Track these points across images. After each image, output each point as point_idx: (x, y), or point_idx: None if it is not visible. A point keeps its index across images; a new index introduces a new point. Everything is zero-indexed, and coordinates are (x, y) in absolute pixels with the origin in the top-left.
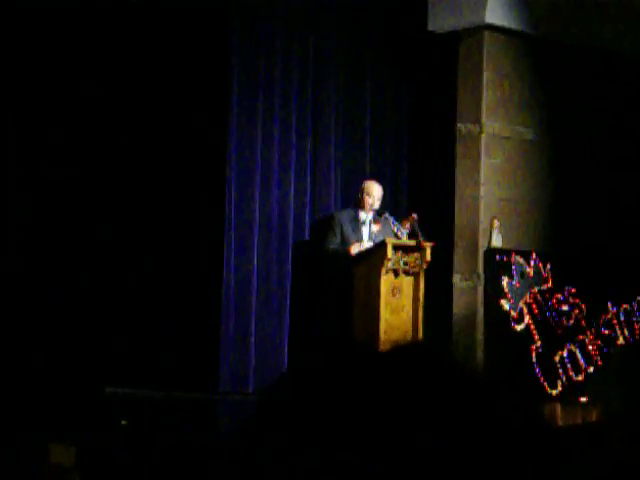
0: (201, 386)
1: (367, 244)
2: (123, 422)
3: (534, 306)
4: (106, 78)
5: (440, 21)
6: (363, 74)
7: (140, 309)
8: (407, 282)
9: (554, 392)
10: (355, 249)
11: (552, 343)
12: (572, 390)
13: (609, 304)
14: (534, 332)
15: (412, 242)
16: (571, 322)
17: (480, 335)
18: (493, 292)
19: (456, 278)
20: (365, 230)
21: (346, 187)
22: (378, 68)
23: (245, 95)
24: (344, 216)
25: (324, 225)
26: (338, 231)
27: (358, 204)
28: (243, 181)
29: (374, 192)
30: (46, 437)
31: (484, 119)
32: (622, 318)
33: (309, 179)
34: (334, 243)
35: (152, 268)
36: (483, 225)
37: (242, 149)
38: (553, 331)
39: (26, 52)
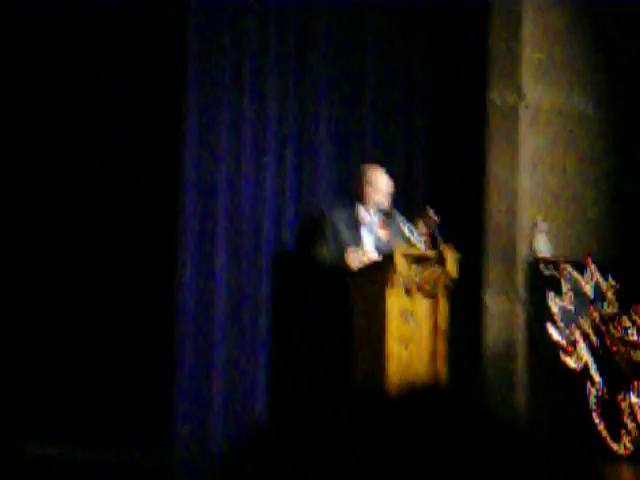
0: (149, 447)
1: (371, 254)
2: None
3: (593, 335)
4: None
5: None
6: (362, 28)
7: (66, 340)
8: (423, 304)
9: (620, 449)
10: (354, 260)
11: (617, 383)
12: None
13: None
14: (593, 370)
15: (430, 252)
16: None
17: (520, 373)
18: (537, 316)
19: (488, 298)
20: (368, 236)
21: (341, 179)
22: (382, 20)
23: (206, 54)
24: (340, 216)
25: (312, 228)
26: (331, 236)
27: (358, 200)
28: (203, 168)
29: (379, 183)
30: None
31: (525, 87)
32: None
33: (291, 168)
34: (326, 252)
35: (81, 283)
36: (524, 227)
37: (202, 126)
38: (618, 367)
39: None
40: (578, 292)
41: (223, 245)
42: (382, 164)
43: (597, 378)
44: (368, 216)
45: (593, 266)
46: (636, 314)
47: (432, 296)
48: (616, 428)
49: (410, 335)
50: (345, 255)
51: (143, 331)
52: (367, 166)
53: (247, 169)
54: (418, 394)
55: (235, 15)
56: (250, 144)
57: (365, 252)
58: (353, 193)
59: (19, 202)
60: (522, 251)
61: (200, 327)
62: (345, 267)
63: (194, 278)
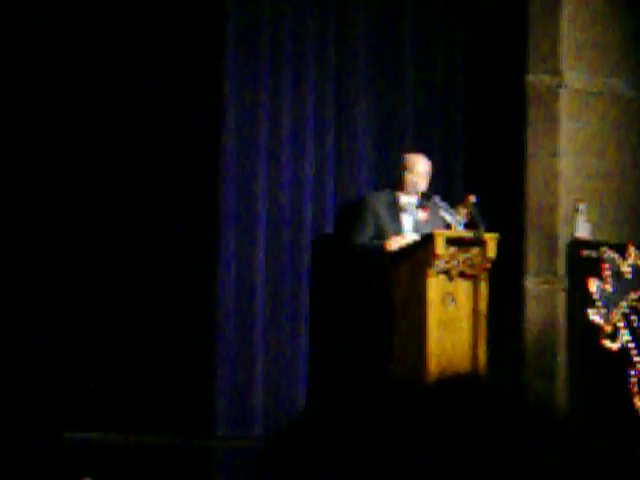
0: (192, 428)
1: (410, 237)
2: None
3: (633, 317)
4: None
5: None
6: (401, 11)
7: (108, 327)
8: (464, 287)
9: None
10: (394, 244)
11: None
12: None
13: None
14: (634, 351)
15: (470, 234)
16: None
17: (562, 356)
18: (578, 299)
19: (529, 281)
20: (408, 219)
21: (380, 164)
22: (420, 3)
23: (245, 40)
24: (379, 200)
25: (352, 212)
26: (371, 220)
27: (397, 185)
28: (244, 155)
29: (419, 167)
30: None
31: (565, 69)
32: None
33: (332, 153)
34: (365, 235)
35: (120, 271)
36: (564, 210)
37: (240, 114)
38: None
39: None
40: (618, 274)
41: (263, 232)
42: (417, 150)
43: (637, 360)
44: (407, 200)
45: (633, 248)
46: None
47: (472, 279)
48: None
49: (451, 318)
50: (385, 240)
51: (185, 317)
52: (407, 153)
53: (286, 155)
54: (456, 381)
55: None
56: (289, 130)
57: (405, 235)
58: (393, 179)
59: (65, 197)
60: (562, 234)
61: (241, 313)
62: (385, 251)
63: (235, 265)
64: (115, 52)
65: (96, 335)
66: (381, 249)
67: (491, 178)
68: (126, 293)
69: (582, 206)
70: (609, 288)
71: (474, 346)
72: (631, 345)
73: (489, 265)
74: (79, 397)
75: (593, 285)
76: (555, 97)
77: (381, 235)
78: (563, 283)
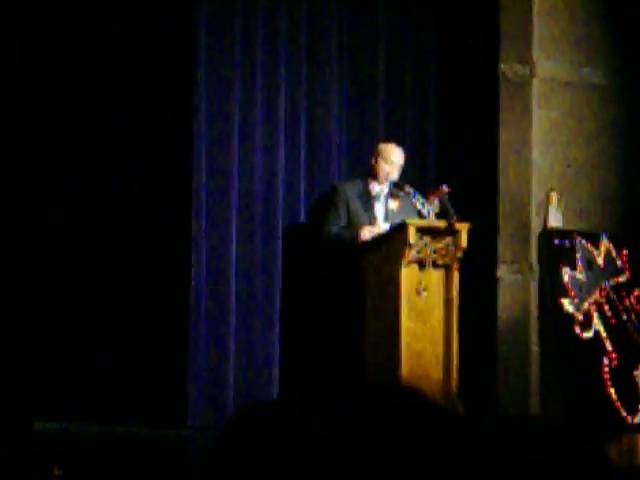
0: (165, 419)
1: (383, 226)
2: (57, 472)
3: (606, 306)
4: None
5: None
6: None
7: (80, 317)
8: (436, 277)
9: (634, 419)
10: (367, 233)
11: (631, 355)
12: None
13: None
14: (606, 341)
15: (442, 223)
16: None
17: (534, 346)
18: (551, 288)
19: (501, 270)
20: (380, 208)
21: (352, 153)
22: None
23: (217, 30)
24: (351, 189)
25: (325, 202)
26: (343, 209)
27: (370, 174)
28: (216, 144)
29: (393, 156)
30: None
31: (537, 58)
32: None
33: (304, 142)
34: (338, 224)
35: (96, 260)
36: (537, 199)
37: (213, 105)
38: (632, 339)
39: None
40: (591, 263)
41: (236, 222)
42: (394, 140)
43: (610, 349)
44: (380, 189)
45: (605, 237)
46: None
47: (444, 268)
48: (630, 399)
49: (423, 307)
50: (358, 229)
51: (158, 308)
52: (380, 141)
53: (259, 146)
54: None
55: None
56: (262, 121)
57: (377, 225)
58: (365, 167)
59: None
60: (535, 224)
61: (214, 303)
62: (358, 240)
63: (208, 255)
64: (83, 38)
65: (68, 325)
66: (354, 238)
67: (463, 167)
68: (99, 283)
69: (554, 196)
70: (581, 277)
71: (446, 335)
72: (604, 334)
73: (461, 254)
74: (50, 386)
75: (565, 274)
76: (527, 86)
77: (353, 224)
78: (535, 272)
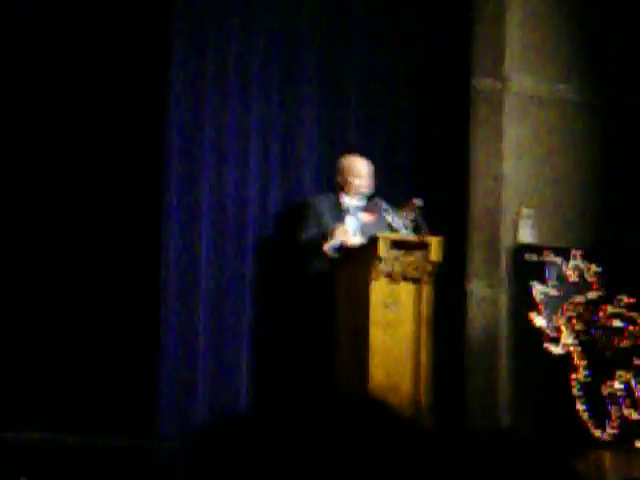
0: (131, 429)
1: (353, 240)
2: None
3: (575, 321)
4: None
5: None
6: (346, 13)
7: (50, 323)
8: (407, 290)
9: (602, 435)
10: (341, 233)
11: (600, 370)
12: (627, 432)
13: None
14: (576, 356)
15: (413, 237)
16: (625, 342)
17: (504, 360)
18: (521, 303)
19: (472, 284)
20: (351, 221)
21: (324, 167)
22: (367, 6)
23: (190, 36)
24: (323, 202)
25: (297, 214)
26: (315, 221)
27: (339, 188)
28: (187, 157)
29: (361, 170)
30: None
31: (510, 73)
32: None
33: (275, 154)
34: (311, 232)
35: (65, 269)
36: (508, 214)
37: (186, 115)
38: (601, 354)
39: None
40: (562, 278)
41: (207, 231)
42: (362, 153)
43: (580, 365)
44: (351, 202)
45: (577, 252)
46: (620, 300)
47: (416, 282)
48: (599, 415)
49: (393, 321)
50: (332, 229)
51: (128, 318)
52: (343, 156)
53: (231, 157)
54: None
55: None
56: (234, 132)
57: (348, 231)
58: (335, 183)
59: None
60: (506, 238)
61: (184, 312)
62: (330, 235)
63: (178, 264)
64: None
65: (36, 335)
66: (326, 237)
67: (436, 181)
68: (69, 290)
69: (526, 210)
70: (552, 292)
71: (417, 349)
72: (573, 349)
73: (432, 268)
74: (17, 396)
75: (536, 289)
76: (500, 101)
77: (324, 235)
78: (506, 287)
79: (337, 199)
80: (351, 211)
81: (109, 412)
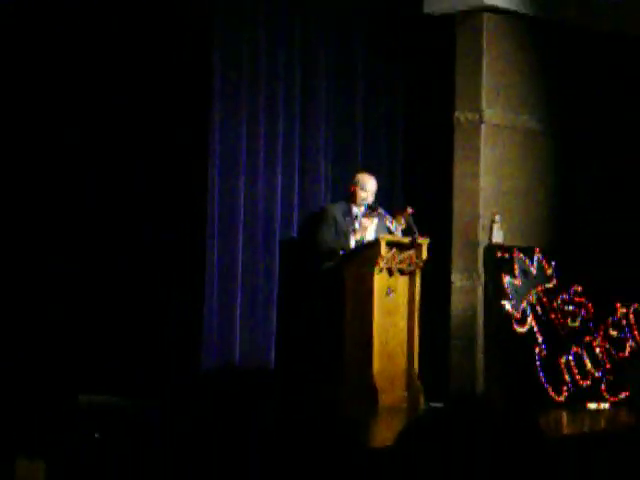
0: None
1: (370, 236)
2: (97, 435)
3: (538, 306)
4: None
5: (437, 2)
6: (354, 60)
7: (117, 309)
8: (402, 281)
9: (559, 398)
10: (366, 222)
11: (557, 346)
12: (579, 396)
13: (618, 304)
14: (538, 334)
15: (407, 239)
16: (577, 323)
17: (480, 337)
18: (494, 291)
19: (455, 277)
20: (371, 224)
21: (337, 180)
22: (371, 53)
23: (228, 83)
24: (337, 210)
25: (315, 220)
26: (332, 224)
27: (350, 198)
28: (227, 173)
29: (369, 186)
30: (12, 451)
31: (484, 107)
32: (632, 319)
33: (297, 172)
34: (329, 235)
35: (130, 265)
36: (483, 220)
37: (226, 138)
38: (558, 333)
39: None
40: (526, 272)
41: (241, 233)
42: (369, 169)
43: (540, 341)
44: (358, 210)
45: (538, 251)
46: (572, 289)
47: (409, 275)
48: (557, 381)
49: (391, 306)
50: (362, 222)
51: (182, 305)
52: (359, 172)
53: (261, 174)
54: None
55: (251, 45)
56: (263, 153)
57: (365, 227)
58: (346, 192)
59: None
60: (482, 240)
61: (224, 301)
62: (339, 251)
63: (219, 259)
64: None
65: (111, 312)
66: (338, 246)
67: (425, 193)
68: (124, 292)
69: (497, 217)
70: (518, 283)
71: (410, 328)
72: (536, 329)
73: (422, 264)
74: (91, 365)
75: (506, 280)
76: (477, 130)
77: (340, 236)
78: (482, 279)
79: (348, 206)
80: (358, 218)
81: (164, 376)
